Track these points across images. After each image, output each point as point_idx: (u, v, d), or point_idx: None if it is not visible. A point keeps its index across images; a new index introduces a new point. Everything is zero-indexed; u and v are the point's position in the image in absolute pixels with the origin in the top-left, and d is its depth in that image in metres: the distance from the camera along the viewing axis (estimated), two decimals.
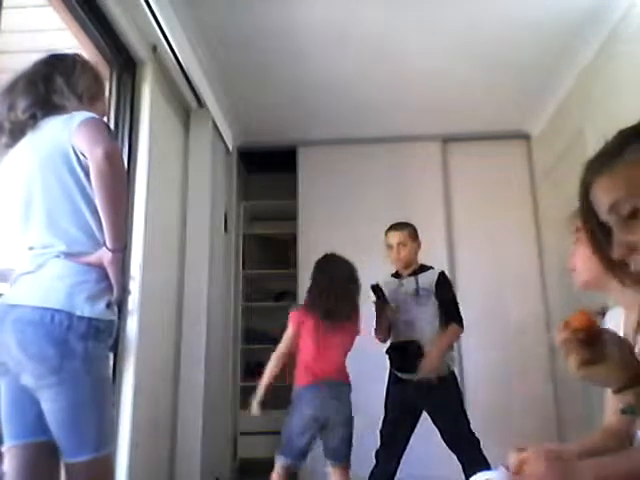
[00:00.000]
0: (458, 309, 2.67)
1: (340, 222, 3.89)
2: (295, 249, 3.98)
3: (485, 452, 2.43)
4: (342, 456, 2.42)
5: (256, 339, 4.20)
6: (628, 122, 0.87)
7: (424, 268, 2.73)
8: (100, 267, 1.44)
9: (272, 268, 4.31)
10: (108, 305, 1.44)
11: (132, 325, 2.32)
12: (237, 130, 3.86)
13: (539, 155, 3.89)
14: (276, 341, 2.56)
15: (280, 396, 3.99)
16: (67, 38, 2.27)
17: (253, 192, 4.44)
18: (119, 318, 2.29)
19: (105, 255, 1.42)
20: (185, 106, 3.13)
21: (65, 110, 1.54)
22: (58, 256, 1.42)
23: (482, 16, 2.75)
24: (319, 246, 3.90)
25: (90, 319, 1.38)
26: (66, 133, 1.43)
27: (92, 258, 1.43)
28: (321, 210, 3.97)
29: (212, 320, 3.11)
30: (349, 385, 2.49)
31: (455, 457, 2.47)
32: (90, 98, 1.61)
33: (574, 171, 0.92)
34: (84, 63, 1.65)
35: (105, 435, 1.43)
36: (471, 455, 2.42)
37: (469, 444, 2.46)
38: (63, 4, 2.08)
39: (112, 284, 1.46)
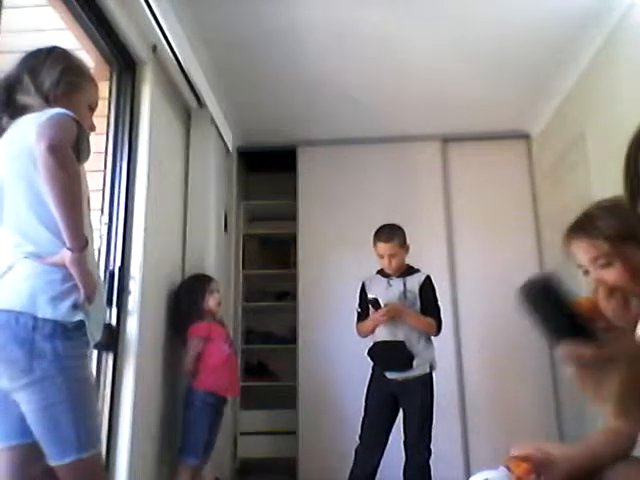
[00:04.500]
0: (440, 313, 2.71)
1: (340, 222, 3.89)
2: (295, 249, 3.99)
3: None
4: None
5: (256, 339, 4.21)
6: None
7: (412, 270, 2.77)
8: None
9: (272, 268, 4.30)
10: (75, 305, 1.39)
11: (132, 325, 2.32)
12: (237, 130, 3.85)
13: (539, 155, 3.89)
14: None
15: (280, 396, 4.01)
16: (67, 38, 2.27)
17: (253, 192, 4.44)
18: (119, 318, 2.32)
19: (65, 255, 1.38)
20: (185, 106, 3.13)
21: (30, 109, 1.47)
22: (27, 257, 1.40)
23: (482, 16, 2.75)
24: (319, 246, 3.95)
25: (55, 321, 1.35)
26: (33, 131, 1.37)
27: (56, 258, 1.39)
28: (321, 210, 3.97)
29: None
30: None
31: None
32: (62, 94, 1.52)
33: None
34: (56, 56, 1.55)
35: (88, 436, 1.39)
36: (420, 460, 2.52)
37: (424, 447, 2.54)
38: (63, 4, 2.08)
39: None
